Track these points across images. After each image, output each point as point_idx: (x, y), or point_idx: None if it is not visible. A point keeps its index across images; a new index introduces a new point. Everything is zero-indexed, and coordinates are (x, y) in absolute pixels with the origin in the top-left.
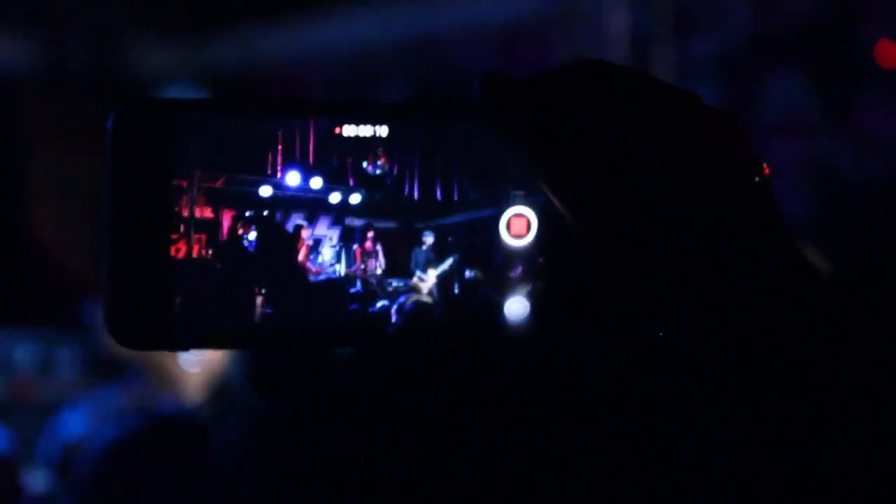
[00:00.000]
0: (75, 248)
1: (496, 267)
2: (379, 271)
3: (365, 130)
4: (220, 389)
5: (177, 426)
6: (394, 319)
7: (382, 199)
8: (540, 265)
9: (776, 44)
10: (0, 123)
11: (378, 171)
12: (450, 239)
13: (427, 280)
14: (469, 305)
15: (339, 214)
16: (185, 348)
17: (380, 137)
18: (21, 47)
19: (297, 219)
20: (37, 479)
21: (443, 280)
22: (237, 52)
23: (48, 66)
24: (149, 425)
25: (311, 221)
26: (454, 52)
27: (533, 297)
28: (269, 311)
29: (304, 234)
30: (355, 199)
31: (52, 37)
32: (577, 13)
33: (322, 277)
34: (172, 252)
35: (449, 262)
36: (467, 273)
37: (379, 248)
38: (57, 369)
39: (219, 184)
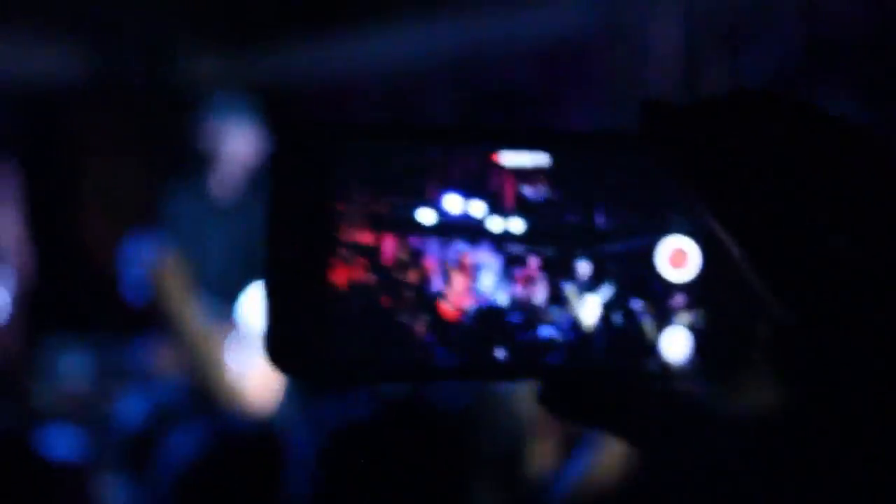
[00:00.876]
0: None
1: (656, 297)
2: (540, 300)
3: (526, 157)
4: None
5: (253, 442)
6: (556, 350)
7: (543, 225)
8: (703, 297)
9: (829, 57)
10: (49, 132)
11: (539, 198)
12: (609, 268)
13: (586, 309)
14: (629, 337)
15: (499, 241)
16: (345, 380)
17: (541, 163)
18: (70, 57)
19: (457, 245)
20: (107, 484)
21: (601, 310)
22: (285, 64)
23: (97, 76)
24: (226, 442)
25: (472, 248)
26: (499, 68)
27: (695, 331)
28: (429, 341)
29: (465, 260)
30: (516, 225)
31: (101, 46)
32: (623, 27)
33: (483, 306)
34: (332, 278)
35: (608, 291)
36: (626, 303)
37: (540, 275)
38: (102, 376)
39: (379, 209)
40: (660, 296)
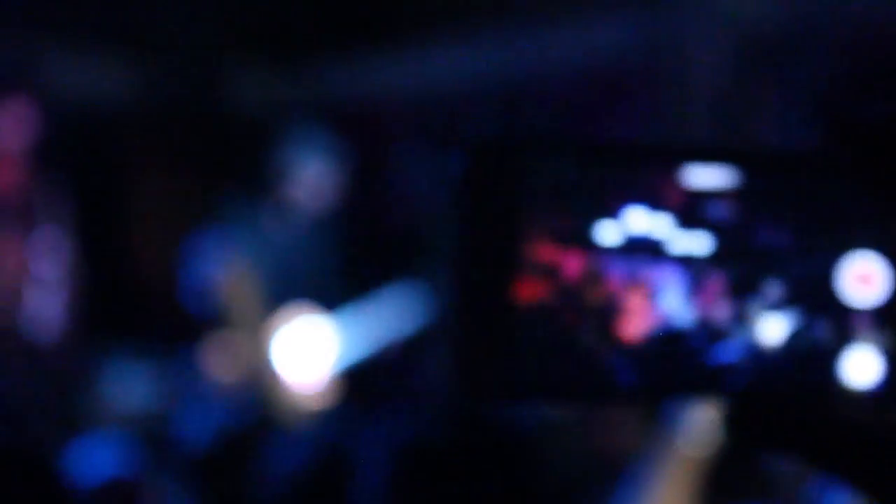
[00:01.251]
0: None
1: (843, 318)
2: (724, 320)
3: (713, 174)
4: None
5: (327, 459)
6: (740, 372)
7: (728, 244)
8: (892, 318)
9: (874, 80)
10: (101, 150)
11: (724, 216)
12: (794, 287)
13: (771, 330)
14: (815, 359)
15: (683, 260)
16: (532, 402)
17: (728, 181)
18: (123, 74)
19: (641, 263)
20: (166, 498)
21: (786, 331)
22: (337, 82)
23: (149, 93)
24: (307, 459)
25: (656, 266)
26: (541, 90)
27: (885, 354)
28: (611, 361)
29: (649, 279)
30: (701, 243)
31: (154, 64)
32: (664, 46)
33: (666, 326)
34: (516, 296)
35: (794, 311)
36: (812, 324)
37: (724, 295)
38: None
39: (563, 225)
40: (847, 316)
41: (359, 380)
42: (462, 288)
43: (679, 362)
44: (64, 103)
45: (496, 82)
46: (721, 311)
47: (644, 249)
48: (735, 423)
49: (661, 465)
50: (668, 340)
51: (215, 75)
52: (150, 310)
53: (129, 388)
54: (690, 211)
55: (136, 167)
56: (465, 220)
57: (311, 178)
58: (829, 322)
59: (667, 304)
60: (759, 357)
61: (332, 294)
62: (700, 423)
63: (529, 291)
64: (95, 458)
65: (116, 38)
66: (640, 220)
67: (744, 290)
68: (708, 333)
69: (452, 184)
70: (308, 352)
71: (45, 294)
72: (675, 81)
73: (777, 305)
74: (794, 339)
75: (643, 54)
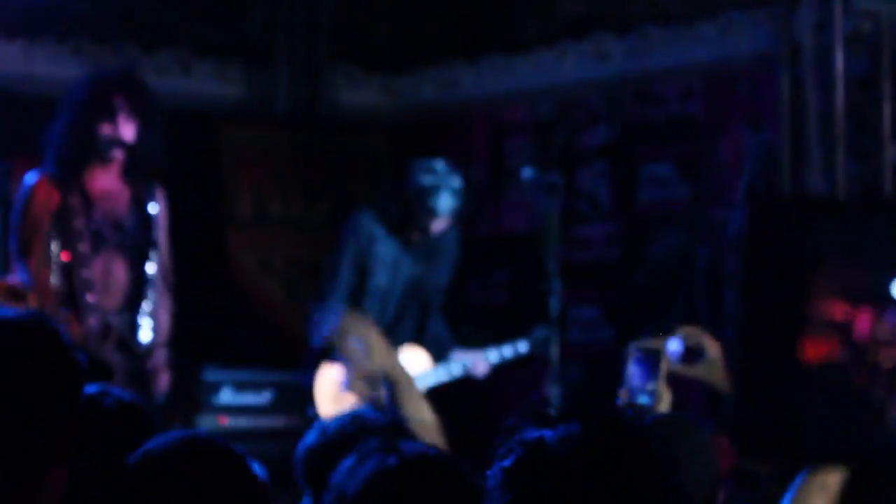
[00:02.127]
0: (275, 277)
1: None
2: None
3: None
4: None
5: (432, 464)
6: None
7: None
8: None
9: None
10: (205, 155)
11: None
12: None
13: None
14: None
15: None
16: (813, 459)
17: None
18: (227, 80)
19: None
20: None
21: None
22: (439, 90)
23: (253, 100)
24: (404, 463)
25: None
26: (660, 92)
27: None
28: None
29: None
30: None
31: (258, 71)
32: (797, 50)
33: None
34: (806, 356)
35: None
36: None
37: None
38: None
39: (853, 283)
40: None
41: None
42: (750, 345)
43: None
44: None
45: (617, 83)
46: None
47: None
48: None
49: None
50: None
51: (320, 81)
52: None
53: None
54: None
55: (237, 171)
56: (753, 278)
57: (447, 207)
58: None
59: None
60: None
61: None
62: None
63: (818, 350)
64: None
65: (221, 42)
66: None
67: None
68: None
69: (741, 242)
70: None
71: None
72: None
73: None
74: None
75: (777, 50)
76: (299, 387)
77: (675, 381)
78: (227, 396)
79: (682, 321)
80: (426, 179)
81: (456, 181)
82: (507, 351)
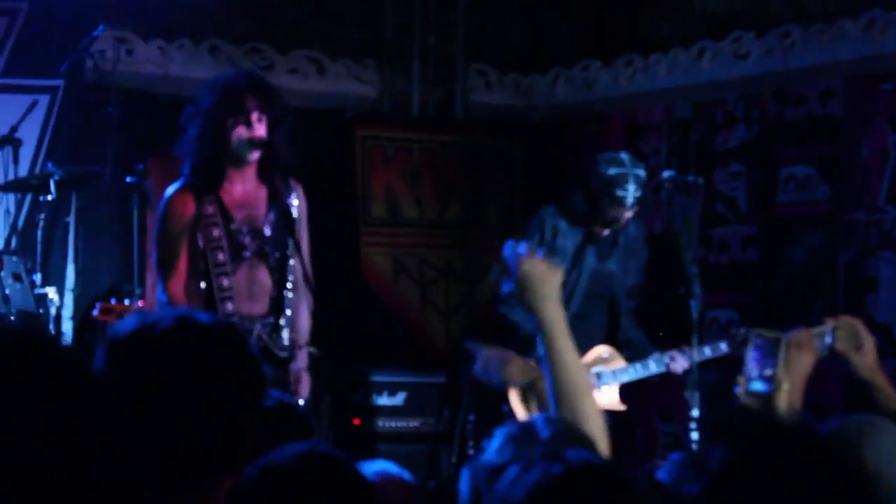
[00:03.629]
0: (408, 278)
1: None
2: None
3: None
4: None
5: (597, 473)
6: None
7: None
8: None
9: None
10: (339, 154)
11: None
12: None
13: None
14: None
15: None
16: None
17: None
18: (362, 80)
19: None
20: None
21: None
22: (573, 90)
23: (391, 99)
24: (569, 471)
25: None
26: (799, 91)
27: None
28: None
29: None
30: None
31: (392, 71)
32: None
33: None
34: None
35: None
36: None
37: None
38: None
39: None
40: None
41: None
42: None
43: None
44: (309, 104)
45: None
46: None
47: None
48: None
49: None
50: None
51: (455, 82)
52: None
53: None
54: None
55: (371, 172)
56: None
57: (635, 196)
58: None
59: None
60: None
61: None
62: None
63: None
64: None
65: (360, 43)
66: None
67: None
68: None
69: None
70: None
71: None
72: None
73: None
74: None
75: None
76: (432, 388)
77: (816, 370)
78: (360, 397)
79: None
80: (613, 170)
81: (641, 171)
82: (708, 351)
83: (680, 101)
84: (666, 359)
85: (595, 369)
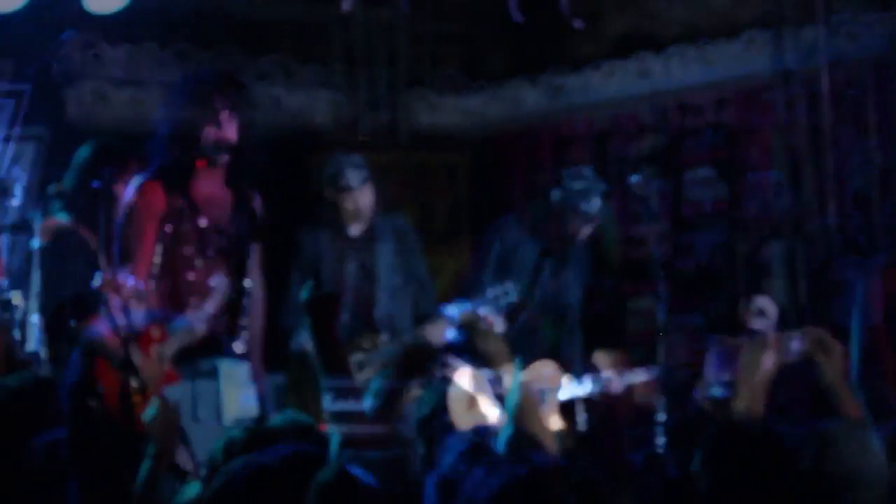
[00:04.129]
0: None
1: None
2: None
3: None
4: None
5: (561, 474)
6: None
7: None
8: None
9: None
10: (298, 174)
11: None
12: None
13: None
14: None
15: None
16: None
17: None
18: (320, 110)
19: None
20: None
21: None
22: (504, 107)
23: (342, 125)
24: (533, 472)
25: None
26: (700, 105)
27: None
28: None
29: None
30: None
31: (345, 100)
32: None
33: None
34: None
35: None
36: None
37: None
38: None
39: None
40: None
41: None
42: None
43: None
44: (270, 124)
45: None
46: None
47: None
48: None
49: None
50: None
51: (399, 103)
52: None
53: None
54: None
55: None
56: None
57: (597, 209)
58: None
59: None
60: None
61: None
62: None
63: None
64: None
65: (319, 70)
66: None
67: None
68: None
69: None
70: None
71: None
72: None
73: None
74: None
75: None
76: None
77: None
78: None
79: (726, 311)
80: (578, 184)
81: (603, 185)
82: (642, 374)
83: (597, 114)
84: (602, 381)
85: (537, 386)
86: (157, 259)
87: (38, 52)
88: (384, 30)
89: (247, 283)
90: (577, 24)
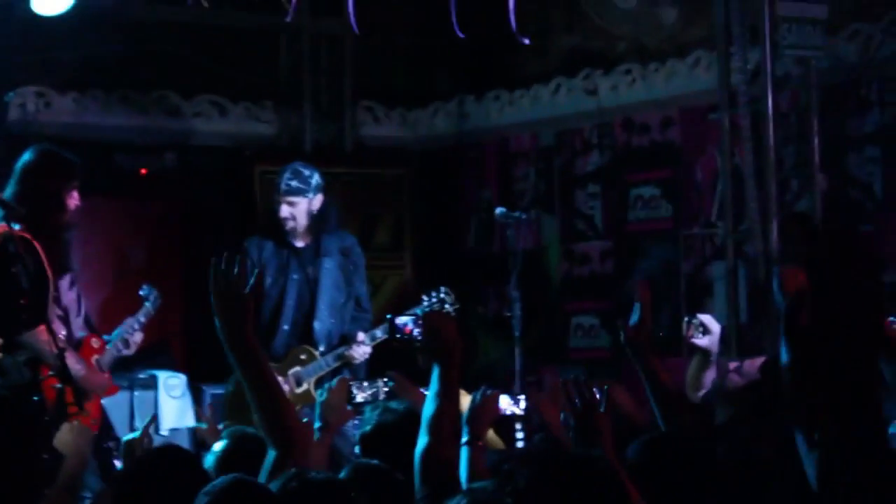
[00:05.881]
0: None
1: None
2: None
3: None
4: None
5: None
6: None
7: None
8: None
9: None
10: (240, 188)
11: None
12: None
13: None
14: None
15: None
16: None
17: None
18: (266, 120)
19: None
20: None
21: None
22: (450, 121)
23: (288, 136)
24: None
25: None
26: (643, 122)
27: None
28: None
29: None
30: None
31: (287, 111)
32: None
33: None
34: None
35: None
36: None
37: None
38: None
39: None
40: None
41: None
42: None
43: None
44: (214, 141)
45: (607, 114)
46: None
47: None
48: None
49: None
50: None
51: (345, 117)
52: None
53: None
54: None
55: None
56: None
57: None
58: None
59: None
60: None
61: None
62: None
63: None
64: None
65: (260, 87)
66: None
67: None
68: None
69: None
70: None
71: None
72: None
73: None
74: None
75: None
76: None
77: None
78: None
79: (669, 325)
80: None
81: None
82: (379, 332)
83: (544, 130)
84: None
85: (292, 371)
86: None
87: None
88: (330, 42)
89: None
90: (525, 40)
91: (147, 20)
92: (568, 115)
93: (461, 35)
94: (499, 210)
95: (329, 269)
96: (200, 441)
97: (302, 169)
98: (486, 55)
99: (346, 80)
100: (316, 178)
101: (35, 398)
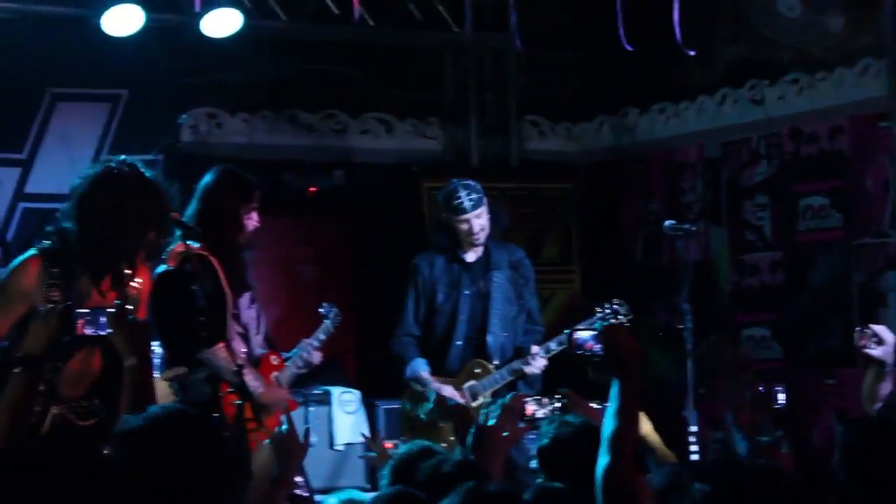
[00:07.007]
0: None
1: None
2: None
3: None
4: None
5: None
6: None
7: None
8: None
9: None
10: (408, 204)
11: None
12: None
13: None
14: None
15: None
16: None
17: None
18: (432, 137)
19: None
20: None
21: None
22: (616, 135)
23: (454, 152)
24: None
25: None
26: (812, 132)
27: None
28: None
29: None
30: None
31: (454, 127)
32: None
33: None
34: None
35: None
36: None
37: None
38: None
39: None
40: None
41: None
42: None
43: None
44: (381, 158)
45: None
46: None
47: None
48: None
49: None
50: None
51: (508, 133)
52: None
53: None
54: None
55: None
56: None
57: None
58: None
59: None
60: None
61: None
62: None
63: None
64: None
65: (430, 110)
66: None
67: None
68: None
69: None
70: None
71: None
72: None
73: None
74: None
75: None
76: None
77: None
78: None
79: (841, 337)
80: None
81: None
82: (553, 345)
83: (710, 141)
84: (520, 362)
85: (467, 385)
86: None
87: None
88: (495, 57)
89: None
90: (690, 51)
91: (313, 40)
92: (734, 125)
93: (629, 48)
94: (668, 222)
95: (500, 282)
96: (372, 467)
97: (468, 183)
98: (651, 67)
99: (510, 94)
100: (480, 188)
101: (215, 414)
